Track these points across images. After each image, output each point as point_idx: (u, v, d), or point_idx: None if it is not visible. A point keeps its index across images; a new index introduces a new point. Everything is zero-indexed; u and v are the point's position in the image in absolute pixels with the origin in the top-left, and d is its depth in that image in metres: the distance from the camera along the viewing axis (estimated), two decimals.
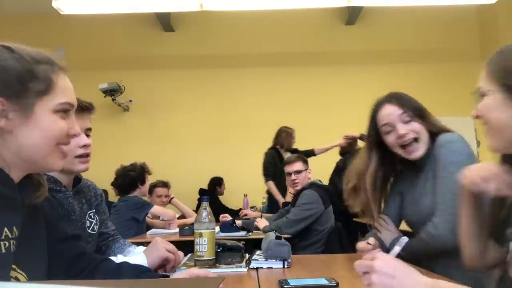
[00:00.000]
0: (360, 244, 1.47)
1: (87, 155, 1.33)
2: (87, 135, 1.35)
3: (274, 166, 4.44)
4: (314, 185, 3.01)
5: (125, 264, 1.10)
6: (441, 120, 1.46)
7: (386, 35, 6.04)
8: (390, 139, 1.41)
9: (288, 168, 3.06)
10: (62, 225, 1.06)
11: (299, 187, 3.02)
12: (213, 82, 6.00)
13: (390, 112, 1.40)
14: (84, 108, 1.31)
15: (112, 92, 5.53)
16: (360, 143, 3.68)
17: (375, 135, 1.46)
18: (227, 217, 3.17)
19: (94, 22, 5.44)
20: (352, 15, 5.94)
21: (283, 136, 4.65)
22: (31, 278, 0.84)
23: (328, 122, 5.81)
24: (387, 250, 1.45)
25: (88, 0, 4.13)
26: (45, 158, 0.85)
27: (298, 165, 3.03)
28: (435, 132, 1.40)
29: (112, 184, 3.60)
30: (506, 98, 0.90)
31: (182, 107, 5.94)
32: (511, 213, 0.99)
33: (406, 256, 1.35)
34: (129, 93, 5.73)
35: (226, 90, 5.98)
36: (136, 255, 1.34)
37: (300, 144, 5.46)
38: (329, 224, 2.96)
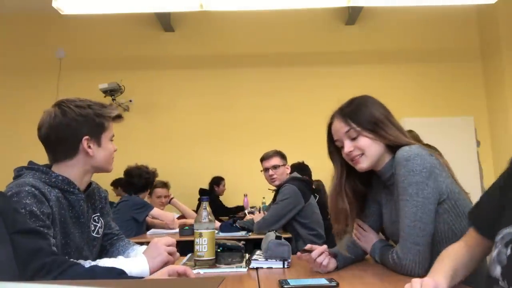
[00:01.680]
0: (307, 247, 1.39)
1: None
2: None
3: None
4: (293, 179, 2.99)
5: (97, 267, 1.09)
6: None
7: (386, 35, 6.04)
8: (343, 154, 1.40)
9: (266, 164, 3.06)
10: (24, 220, 1.05)
11: (277, 183, 3.01)
12: (213, 82, 5.99)
13: (338, 129, 1.39)
14: (120, 117, 1.47)
15: (112, 92, 5.52)
16: None
17: (332, 146, 1.45)
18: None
19: (94, 22, 5.44)
20: (352, 15, 5.94)
21: None
22: None
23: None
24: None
25: (88, 0, 4.13)
26: None
27: (275, 160, 3.03)
28: (392, 145, 1.34)
29: (122, 181, 3.60)
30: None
31: (182, 107, 5.94)
32: (503, 214, 0.97)
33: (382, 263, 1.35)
34: (129, 93, 5.73)
35: (226, 90, 5.98)
36: (136, 257, 1.34)
37: (298, 143, 5.46)
38: (315, 216, 2.95)
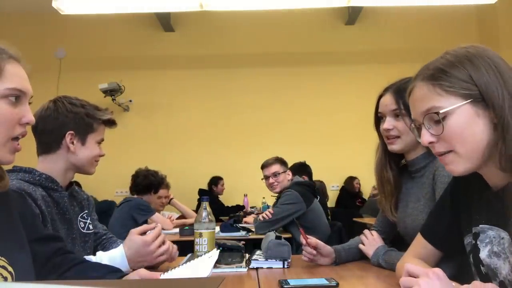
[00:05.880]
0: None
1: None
2: None
3: None
4: (295, 184, 2.98)
5: (95, 263, 1.13)
6: None
7: (386, 35, 6.04)
8: (380, 128, 1.41)
9: (266, 171, 3.05)
10: (39, 224, 1.06)
11: (278, 189, 3.00)
12: (213, 82, 6.00)
13: (386, 103, 1.38)
14: (112, 123, 1.49)
15: (112, 92, 5.53)
16: None
17: (378, 117, 1.44)
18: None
19: (94, 22, 5.44)
20: (352, 15, 5.94)
21: None
22: (13, 264, 0.83)
23: (329, 122, 5.81)
24: None
25: (88, 0, 4.13)
26: None
27: (276, 168, 3.01)
28: None
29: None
30: (477, 109, 0.82)
31: (182, 107, 5.94)
32: (463, 219, 0.98)
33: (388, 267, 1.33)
34: (129, 93, 5.73)
35: (226, 90, 5.98)
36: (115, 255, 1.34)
37: (298, 143, 5.46)
38: (318, 220, 2.93)
